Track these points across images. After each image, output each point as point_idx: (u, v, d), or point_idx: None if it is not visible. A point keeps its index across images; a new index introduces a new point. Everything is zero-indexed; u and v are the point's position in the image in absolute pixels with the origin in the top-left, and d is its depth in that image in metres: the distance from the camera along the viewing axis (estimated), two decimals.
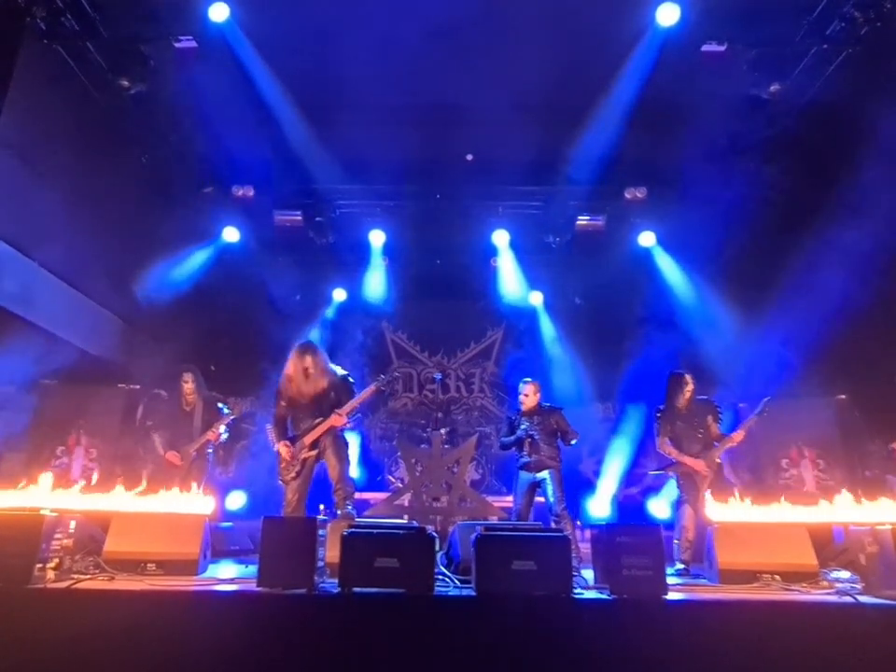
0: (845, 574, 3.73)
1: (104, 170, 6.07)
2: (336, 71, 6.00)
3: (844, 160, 5.75)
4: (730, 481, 5.90)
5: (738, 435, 4.97)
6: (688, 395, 5.14)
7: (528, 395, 5.43)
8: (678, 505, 5.06)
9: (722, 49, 5.59)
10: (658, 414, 5.24)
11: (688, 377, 5.18)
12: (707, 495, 4.45)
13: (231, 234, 8.12)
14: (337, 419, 4.73)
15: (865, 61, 5.37)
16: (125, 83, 5.68)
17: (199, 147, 6.87)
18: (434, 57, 5.81)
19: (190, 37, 5.57)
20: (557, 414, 5.38)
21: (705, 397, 5.32)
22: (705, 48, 5.61)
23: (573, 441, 5.28)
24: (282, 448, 4.76)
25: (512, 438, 5.40)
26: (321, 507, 5.87)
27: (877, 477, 6.07)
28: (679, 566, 4.71)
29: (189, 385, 5.61)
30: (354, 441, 7.78)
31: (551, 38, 5.53)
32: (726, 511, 4.03)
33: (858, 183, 5.53)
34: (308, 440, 4.75)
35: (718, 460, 4.99)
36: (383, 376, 5.21)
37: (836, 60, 5.53)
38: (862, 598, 3.07)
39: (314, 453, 4.77)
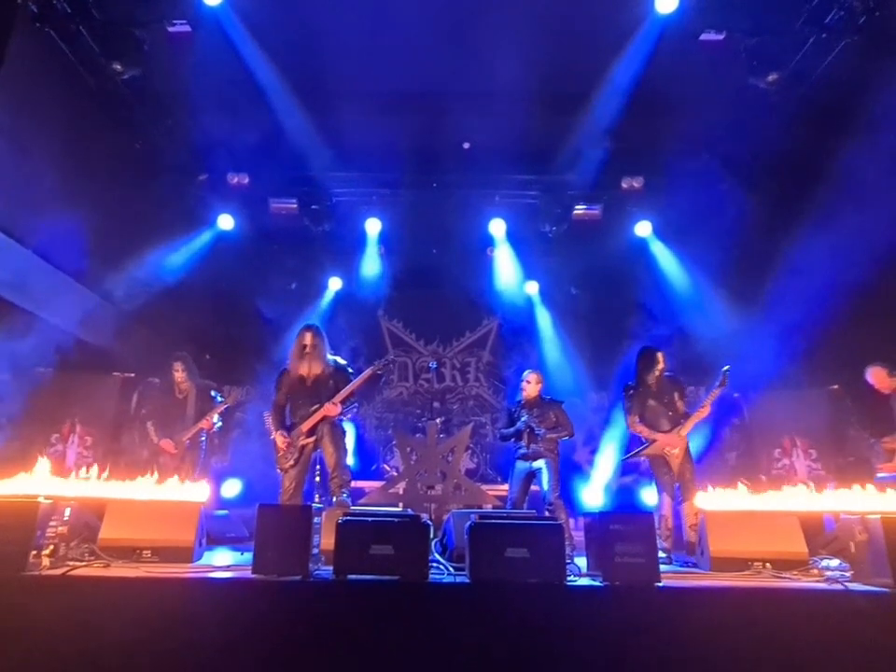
0: (834, 562, 3.78)
1: (97, 156, 6.02)
2: (332, 57, 5.95)
3: (842, 149, 5.74)
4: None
5: (704, 410, 4.89)
6: (658, 372, 5.07)
7: (530, 382, 5.46)
8: (657, 494, 5.04)
9: (721, 37, 5.56)
10: (629, 392, 5.14)
11: (660, 354, 5.09)
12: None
13: (226, 222, 8.08)
14: (331, 408, 4.73)
15: (864, 50, 5.34)
16: (118, 67, 5.62)
17: (193, 133, 6.80)
18: (430, 44, 5.76)
19: (184, 21, 5.50)
20: (557, 408, 5.42)
21: (671, 374, 5.21)
22: (703, 36, 5.58)
23: (563, 436, 5.30)
24: (278, 438, 4.77)
25: (512, 430, 5.44)
26: (316, 497, 5.89)
27: (859, 462, 6.14)
28: (661, 554, 4.74)
29: (180, 373, 5.60)
30: (350, 429, 7.80)
31: (548, 26, 5.49)
32: (718, 499, 4.07)
33: (856, 174, 5.52)
34: (305, 427, 4.76)
35: (684, 435, 4.92)
36: (378, 361, 5.21)
37: (835, 49, 5.51)
38: (852, 586, 3.10)
39: (311, 440, 4.78)
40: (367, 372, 4.99)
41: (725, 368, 4.91)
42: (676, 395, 5.09)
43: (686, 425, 4.93)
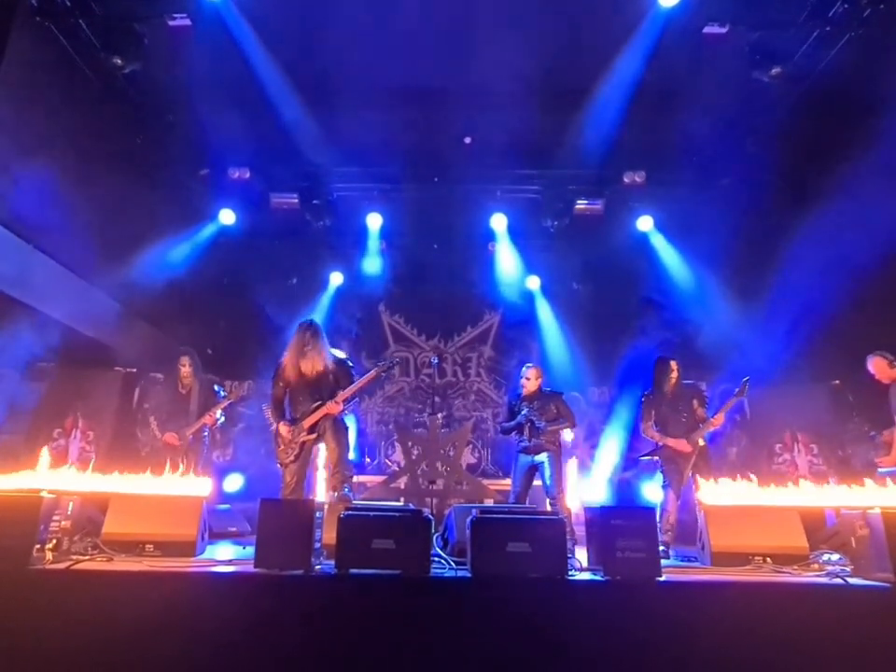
0: (835, 557, 3.79)
1: (98, 151, 5.99)
2: (334, 52, 5.92)
3: (845, 143, 5.71)
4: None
5: (718, 418, 4.96)
6: (673, 380, 5.16)
7: (530, 378, 5.47)
8: (663, 489, 5.09)
9: (724, 31, 5.53)
10: (643, 399, 5.28)
11: (673, 363, 5.19)
12: (702, 480, 4.50)
13: (227, 217, 8.07)
14: (333, 407, 4.71)
15: (868, 43, 5.31)
16: (119, 62, 5.59)
17: (194, 127, 6.77)
18: (432, 38, 5.73)
19: (185, 15, 5.47)
20: (557, 399, 5.42)
21: (691, 381, 5.35)
22: (706, 30, 5.54)
23: (565, 427, 5.31)
24: (282, 427, 4.75)
25: (512, 423, 5.45)
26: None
27: (857, 456, 6.14)
28: (660, 547, 4.76)
29: (186, 368, 5.60)
30: (351, 424, 7.82)
31: (550, 20, 5.46)
32: (719, 494, 4.07)
33: (859, 168, 5.50)
34: (306, 424, 4.75)
35: (701, 442, 4.99)
36: (382, 363, 5.19)
37: (839, 42, 5.46)
38: (852, 580, 3.11)
39: (312, 436, 4.77)
40: (370, 374, 4.96)
41: (745, 379, 4.97)
42: (695, 402, 5.15)
43: (698, 432, 4.99)
